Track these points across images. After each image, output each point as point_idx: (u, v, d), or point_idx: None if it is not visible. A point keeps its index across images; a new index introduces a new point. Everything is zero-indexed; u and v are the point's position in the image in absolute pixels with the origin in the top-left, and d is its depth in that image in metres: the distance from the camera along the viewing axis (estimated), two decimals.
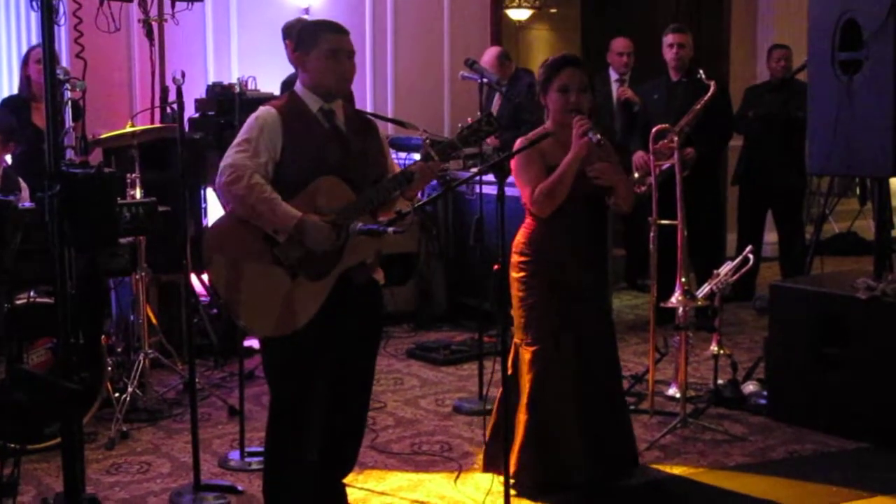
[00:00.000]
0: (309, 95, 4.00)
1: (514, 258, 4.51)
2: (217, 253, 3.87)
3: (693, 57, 7.26)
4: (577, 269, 4.48)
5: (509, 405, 4.42)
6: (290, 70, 6.23)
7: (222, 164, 3.85)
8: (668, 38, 7.20)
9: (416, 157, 4.07)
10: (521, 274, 4.49)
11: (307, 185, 3.86)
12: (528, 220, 4.54)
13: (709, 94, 6.72)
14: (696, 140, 6.77)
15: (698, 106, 6.76)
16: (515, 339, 4.56)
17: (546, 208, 4.40)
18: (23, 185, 5.52)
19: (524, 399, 4.49)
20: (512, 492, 4.36)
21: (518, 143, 4.38)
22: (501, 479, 4.14)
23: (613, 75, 8.28)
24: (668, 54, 7.20)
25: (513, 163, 4.46)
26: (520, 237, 4.54)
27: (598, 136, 4.30)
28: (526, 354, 4.49)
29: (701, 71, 6.88)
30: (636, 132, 7.19)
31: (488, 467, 4.65)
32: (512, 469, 4.43)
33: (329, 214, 3.84)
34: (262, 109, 3.95)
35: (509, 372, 4.54)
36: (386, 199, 3.98)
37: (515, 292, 4.51)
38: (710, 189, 7.26)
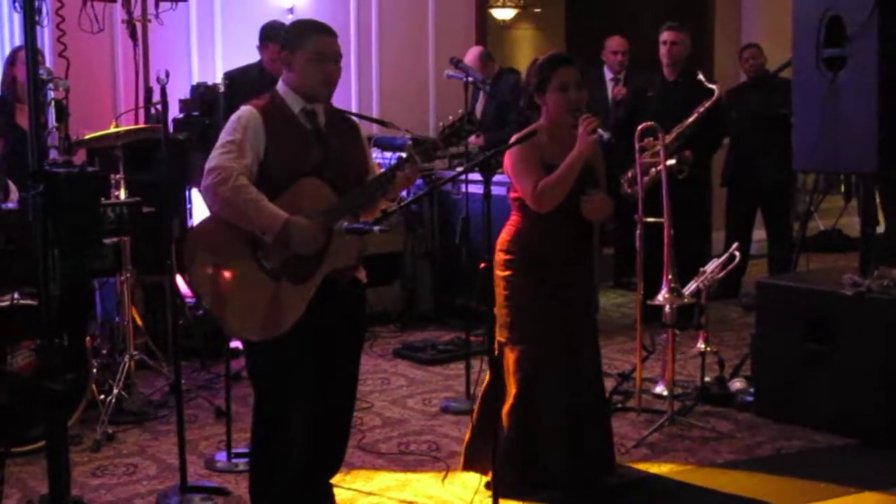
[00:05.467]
0: (291, 96, 3.98)
1: (500, 256, 4.50)
2: (200, 255, 3.85)
3: (689, 56, 7.27)
4: (562, 267, 4.46)
5: (495, 405, 4.41)
6: None
7: (207, 165, 3.83)
8: (663, 36, 7.20)
9: (402, 156, 4.05)
10: (507, 272, 4.47)
11: (289, 185, 3.85)
12: (513, 217, 4.53)
13: (713, 98, 6.73)
14: (692, 141, 6.78)
15: (702, 110, 6.76)
16: (499, 338, 4.53)
17: (548, 204, 4.38)
18: (12, 186, 5.49)
19: (510, 399, 4.47)
20: (487, 493, 4.38)
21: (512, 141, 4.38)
22: (489, 478, 4.13)
23: (608, 74, 8.29)
24: (662, 51, 7.20)
25: (509, 162, 4.46)
26: (505, 235, 4.52)
27: (608, 135, 4.30)
28: (511, 354, 4.47)
29: (700, 73, 6.88)
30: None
31: (469, 466, 4.63)
32: (496, 469, 4.43)
33: (313, 217, 3.83)
34: (243, 109, 3.93)
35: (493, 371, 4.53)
36: (370, 200, 3.96)
37: (500, 290, 4.49)
38: (696, 189, 7.25)
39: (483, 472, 4.50)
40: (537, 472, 4.50)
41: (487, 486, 4.42)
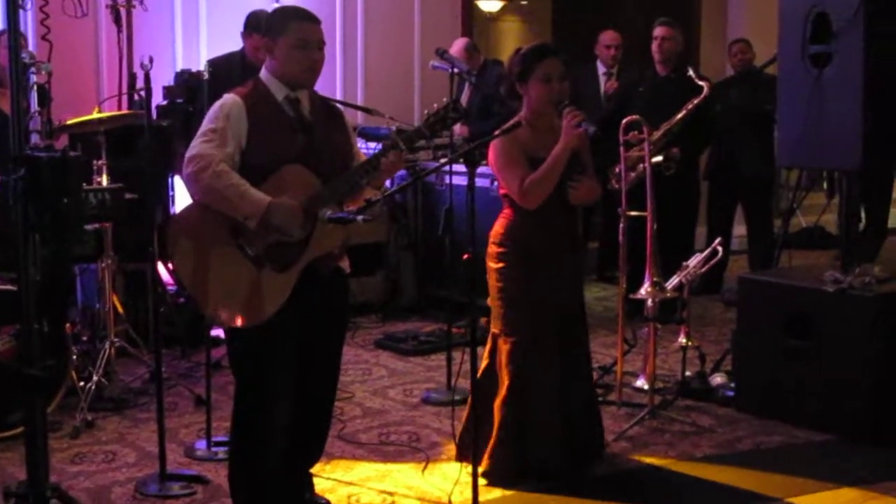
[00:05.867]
0: (274, 83, 3.95)
1: (493, 248, 4.51)
2: (182, 243, 3.82)
3: (681, 53, 7.25)
4: (554, 259, 4.48)
5: (476, 395, 4.41)
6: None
7: (188, 154, 3.80)
8: (654, 31, 7.19)
9: (386, 143, 4.02)
10: (500, 265, 4.48)
11: (272, 173, 3.83)
12: (506, 210, 4.53)
13: (702, 95, 6.70)
14: (681, 138, 6.77)
15: (690, 107, 6.73)
16: (493, 330, 4.55)
17: (535, 200, 4.38)
18: None
19: (503, 391, 4.48)
20: (483, 481, 4.40)
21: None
22: (470, 469, 4.13)
23: (601, 68, 8.27)
24: (653, 47, 7.19)
25: (493, 158, 4.46)
26: (498, 227, 4.53)
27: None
28: (504, 345, 4.49)
29: (691, 69, 6.86)
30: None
31: (461, 457, 4.63)
32: (487, 460, 4.45)
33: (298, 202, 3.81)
34: (226, 97, 3.90)
35: (486, 362, 4.54)
36: (354, 187, 3.94)
37: (494, 283, 4.50)
38: (684, 185, 7.24)
39: (477, 462, 4.51)
40: (529, 462, 4.51)
41: (483, 475, 4.46)
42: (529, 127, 4.46)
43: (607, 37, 8.28)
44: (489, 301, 4.52)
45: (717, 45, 10.09)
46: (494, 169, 4.50)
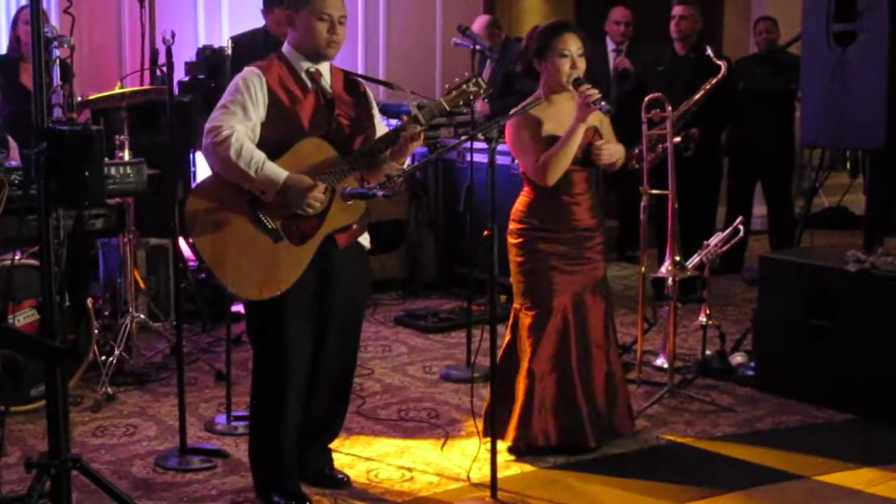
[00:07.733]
0: (295, 56, 3.96)
1: (513, 225, 4.52)
2: (200, 216, 3.83)
3: (700, 31, 7.21)
4: (574, 236, 4.47)
5: (498, 371, 4.42)
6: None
7: (208, 125, 3.81)
8: (673, 10, 7.15)
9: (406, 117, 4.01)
10: (520, 240, 4.50)
11: (291, 146, 3.83)
12: (525, 188, 4.53)
13: (720, 75, 6.64)
14: (701, 118, 6.73)
15: (708, 86, 6.67)
16: (515, 305, 4.57)
17: (551, 177, 4.37)
18: (12, 143, 5.48)
19: (524, 364, 4.49)
20: (510, 457, 4.47)
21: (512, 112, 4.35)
22: (488, 445, 4.14)
23: (610, 45, 8.22)
24: (671, 26, 7.15)
25: (509, 136, 4.45)
26: (518, 205, 4.53)
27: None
28: (525, 320, 4.50)
29: (709, 49, 6.82)
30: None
31: (488, 433, 4.63)
32: (512, 434, 4.48)
33: (316, 176, 3.81)
34: (246, 70, 3.91)
35: (508, 338, 4.55)
36: (373, 161, 3.94)
37: (514, 258, 4.51)
38: (707, 164, 7.20)
39: (502, 438, 4.50)
40: (553, 438, 4.52)
41: (510, 450, 4.50)
42: (548, 104, 4.45)
43: (618, 13, 8.21)
44: (511, 278, 4.53)
45: (741, 23, 10.01)
46: (511, 148, 4.50)
